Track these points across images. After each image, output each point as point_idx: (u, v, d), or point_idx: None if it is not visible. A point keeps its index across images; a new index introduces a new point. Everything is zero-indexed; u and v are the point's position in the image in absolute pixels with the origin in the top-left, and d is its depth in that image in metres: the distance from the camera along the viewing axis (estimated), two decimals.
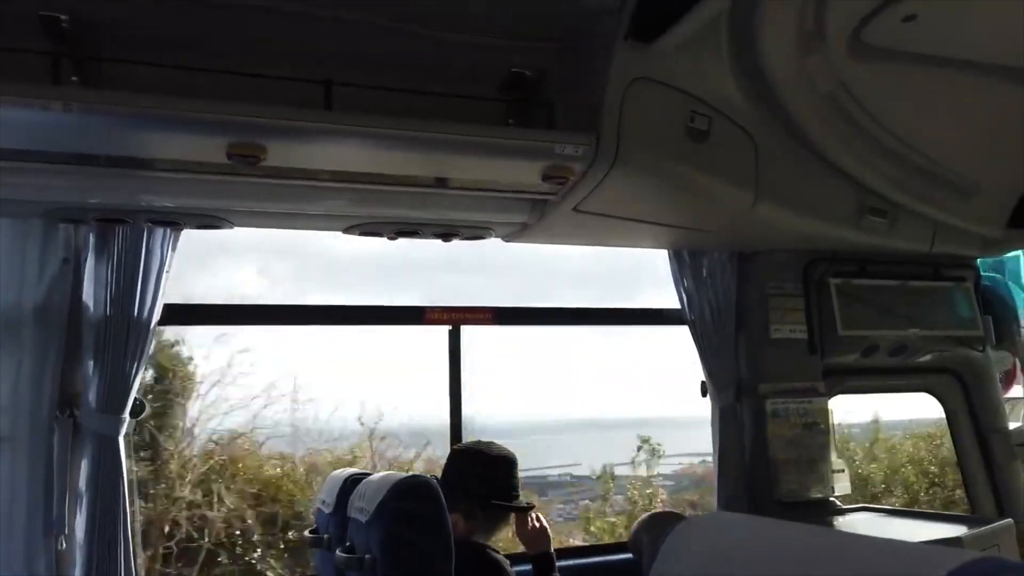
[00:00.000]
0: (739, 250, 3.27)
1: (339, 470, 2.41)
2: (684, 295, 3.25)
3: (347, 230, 2.67)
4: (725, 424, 3.20)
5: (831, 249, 3.22)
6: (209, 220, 2.46)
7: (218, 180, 2.17)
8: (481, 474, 2.51)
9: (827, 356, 3.27)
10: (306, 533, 2.47)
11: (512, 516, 2.61)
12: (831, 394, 3.33)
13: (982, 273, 3.55)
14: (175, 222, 2.43)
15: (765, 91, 2.44)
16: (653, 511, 2.83)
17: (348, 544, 2.06)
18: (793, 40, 2.22)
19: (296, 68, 2.13)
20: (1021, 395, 3.78)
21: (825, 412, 3.27)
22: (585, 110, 2.31)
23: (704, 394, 3.30)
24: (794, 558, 0.82)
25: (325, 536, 2.32)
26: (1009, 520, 3.09)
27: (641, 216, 2.77)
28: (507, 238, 2.90)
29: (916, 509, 3.44)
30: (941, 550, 0.72)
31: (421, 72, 2.27)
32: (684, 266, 3.26)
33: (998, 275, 3.67)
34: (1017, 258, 3.66)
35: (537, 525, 2.65)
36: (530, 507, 2.64)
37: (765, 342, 3.23)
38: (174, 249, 2.50)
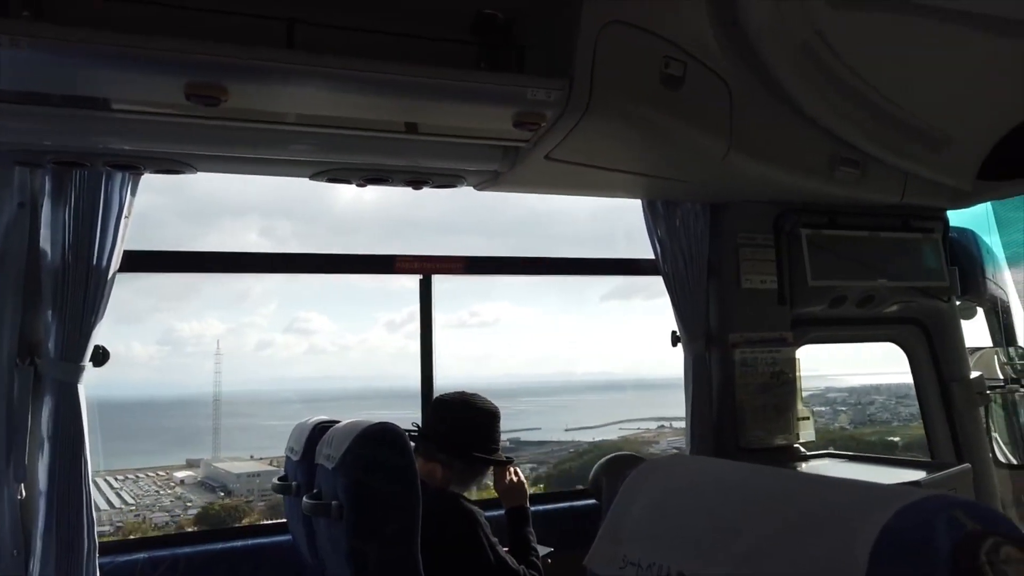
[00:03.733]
0: (712, 201, 3.26)
1: (307, 418, 2.41)
2: (658, 245, 3.25)
3: (314, 176, 2.61)
4: (696, 374, 3.23)
5: (802, 200, 3.22)
6: (170, 164, 2.39)
7: (178, 122, 2.11)
8: (463, 425, 2.49)
9: (796, 306, 3.30)
10: (274, 480, 2.47)
11: (490, 469, 2.62)
12: (798, 344, 3.37)
13: (951, 225, 3.58)
14: (134, 166, 2.35)
15: (741, 37, 2.40)
16: (613, 454, 2.85)
17: (316, 491, 2.06)
18: None
19: (258, 4, 2.05)
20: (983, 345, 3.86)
21: (792, 362, 3.31)
22: (557, 54, 2.26)
23: (675, 344, 3.33)
24: (750, 496, 0.82)
25: (293, 483, 2.32)
26: (966, 465, 3.19)
27: (614, 164, 2.74)
28: (479, 186, 2.86)
29: (878, 456, 3.53)
30: (894, 488, 0.73)
31: (388, 12, 2.20)
32: (658, 216, 3.24)
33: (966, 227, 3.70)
34: (986, 210, 3.69)
35: (515, 479, 2.67)
36: (509, 461, 2.64)
37: (736, 292, 3.25)
38: (134, 194, 2.42)
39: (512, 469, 2.68)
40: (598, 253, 3.51)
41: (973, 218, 3.72)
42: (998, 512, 0.69)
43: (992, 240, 3.78)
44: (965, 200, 3.40)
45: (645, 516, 0.90)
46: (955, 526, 0.65)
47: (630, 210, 3.32)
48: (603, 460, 2.72)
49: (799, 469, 3.22)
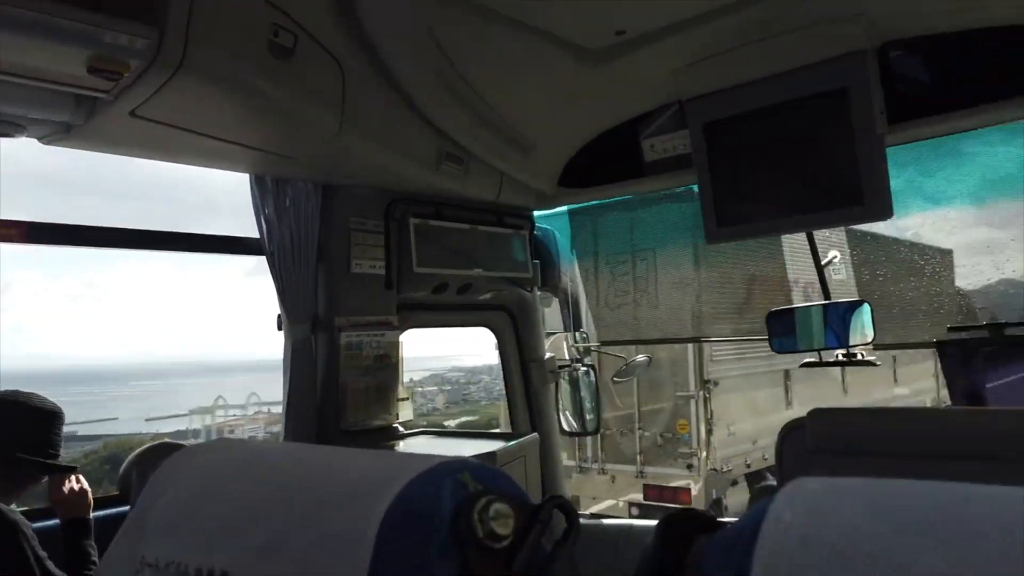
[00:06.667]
0: (325, 182, 3.21)
1: None
2: (264, 224, 3.09)
3: None
4: (298, 357, 3.15)
5: (413, 190, 3.35)
6: None
7: None
8: (13, 427, 2.23)
9: (402, 292, 3.42)
10: None
11: (45, 476, 2.31)
12: (403, 328, 3.51)
13: (536, 224, 4.04)
14: None
15: (355, 21, 2.38)
16: (147, 444, 2.64)
17: None
18: None
19: None
20: (556, 331, 4.45)
21: (396, 345, 3.43)
22: None
23: (280, 327, 3.21)
24: (288, 478, 0.78)
25: None
26: (535, 434, 3.64)
27: (217, 133, 2.52)
28: (46, 140, 2.41)
29: (468, 430, 3.85)
30: (415, 457, 0.75)
31: None
32: (266, 193, 3.09)
33: (548, 227, 4.22)
34: (563, 213, 4.25)
35: (77, 488, 2.38)
36: (70, 468, 2.35)
37: (345, 276, 3.25)
38: None
39: (74, 477, 2.38)
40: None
41: (557, 220, 4.25)
42: (502, 473, 0.76)
43: (570, 241, 4.38)
44: (548, 202, 3.88)
45: (173, 509, 0.80)
46: (460, 488, 0.70)
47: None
48: (136, 452, 2.51)
49: (398, 447, 3.36)
